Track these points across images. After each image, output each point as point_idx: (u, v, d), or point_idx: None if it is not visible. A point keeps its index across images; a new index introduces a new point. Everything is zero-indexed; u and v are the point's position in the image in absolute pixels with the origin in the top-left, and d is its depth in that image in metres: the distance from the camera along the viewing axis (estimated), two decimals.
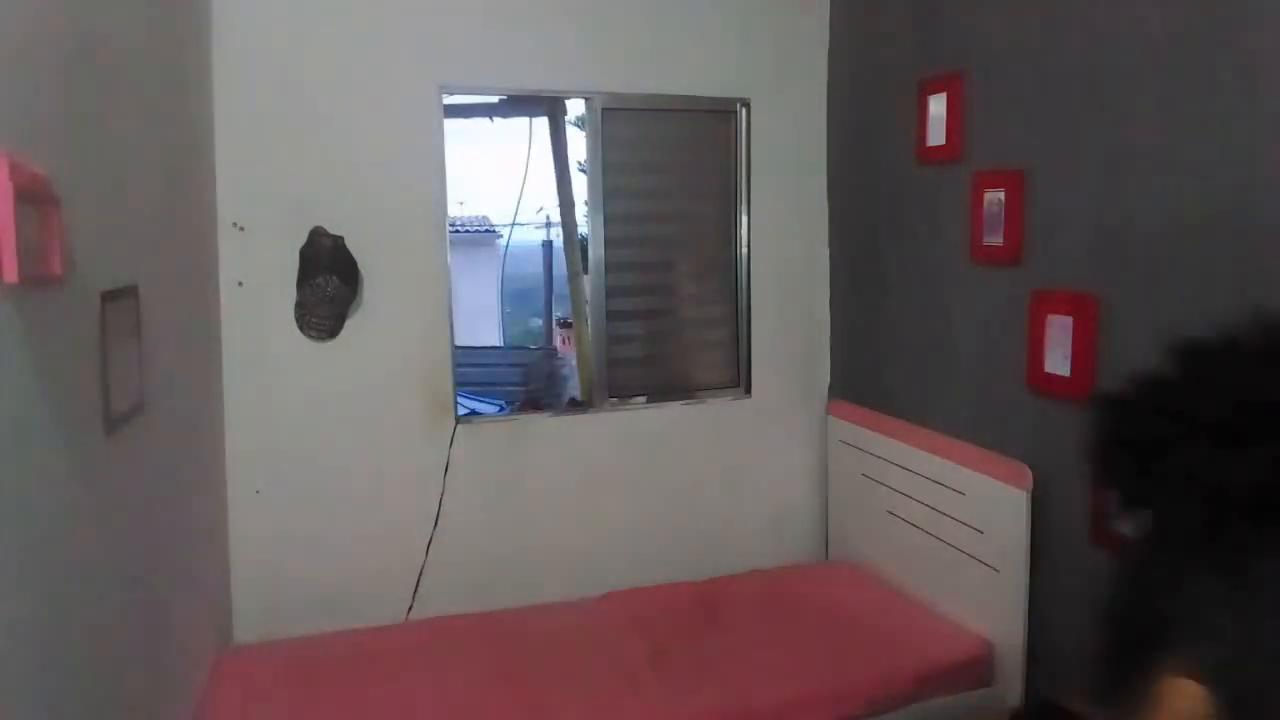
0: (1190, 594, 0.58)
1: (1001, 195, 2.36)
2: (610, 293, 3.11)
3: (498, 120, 3.64)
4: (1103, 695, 0.63)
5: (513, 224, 4.99)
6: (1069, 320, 2.15)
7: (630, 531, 3.11)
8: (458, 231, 3.17)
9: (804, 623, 2.66)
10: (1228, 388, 0.61)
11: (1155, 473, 0.60)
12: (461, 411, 2.97)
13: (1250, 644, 0.55)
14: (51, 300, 1.34)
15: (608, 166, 3.06)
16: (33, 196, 1.21)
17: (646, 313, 3.20)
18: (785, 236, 3.26)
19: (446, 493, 2.91)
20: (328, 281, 2.73)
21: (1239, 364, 0.64)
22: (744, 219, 3.22)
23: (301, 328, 2.74)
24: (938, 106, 2.60)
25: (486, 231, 6.29)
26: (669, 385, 3.23)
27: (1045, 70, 2.22)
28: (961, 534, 2.50)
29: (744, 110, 3.17)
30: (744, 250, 3.24)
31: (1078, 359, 2.13)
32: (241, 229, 2.69)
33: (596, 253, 3.08)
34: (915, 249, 2.78)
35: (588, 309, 3.14)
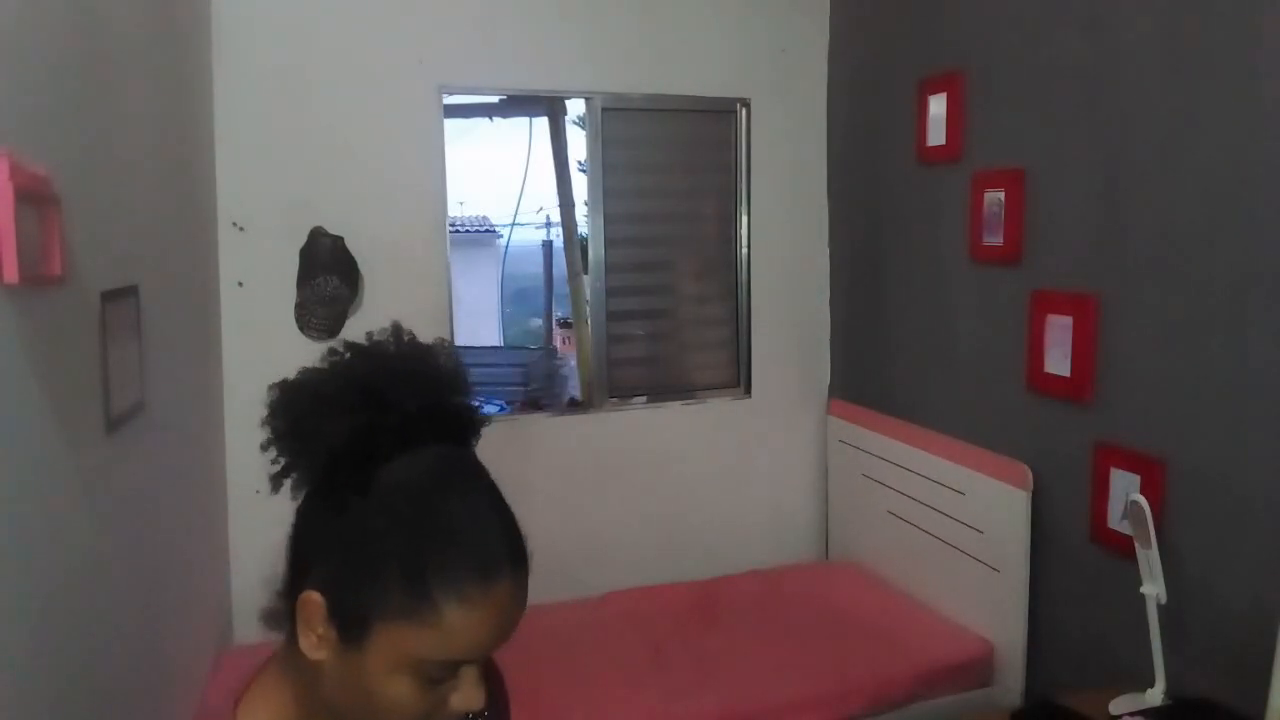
0: (314, 527, 0.80)
1: (1001, 195, 2.36)
2: (610, 293, 3.11)
3: (498, 120, 3.65)
4: (274, 619, 0.83)
5: (513, 224, 4.99)
6: (1069, 320, 2.15)
7: (630, 531, 3.11)
8: (458, 231, 3.17)
9: (804, 623, 2.66)
10: (342, 374, 0.83)
11: (298, 436, 0.79)
12: None
13: (347, 556, 0.77)
14: (51, 300, 1.34)
15: (608, 166, 3.06)
16: (33, 196, 1.21)
17: (646, 313, 3.20)
18: (785, 236, 3.26)
19: None
20: (328, 281, 2.73)
21: (353, 358, 0.85)
22: (744, 219, 3.23)
23: (301, 328, 2.74)
24: (938, 106, 2.60)
25: (486, 231, 6.29)
26: (669, 385, 3.23)
27: (1045, 70, 2.22)
28: (961, 534, 2.50)
29: (744, 110, 3.17)
30: (744, 250, 3.24)
31: (1078, 359, 2.13)
32: (241, 229, 2.69)
33: (596, 253, 3.08)
34: (915, 249, 2.79)
35: (588, 309, 3.14)
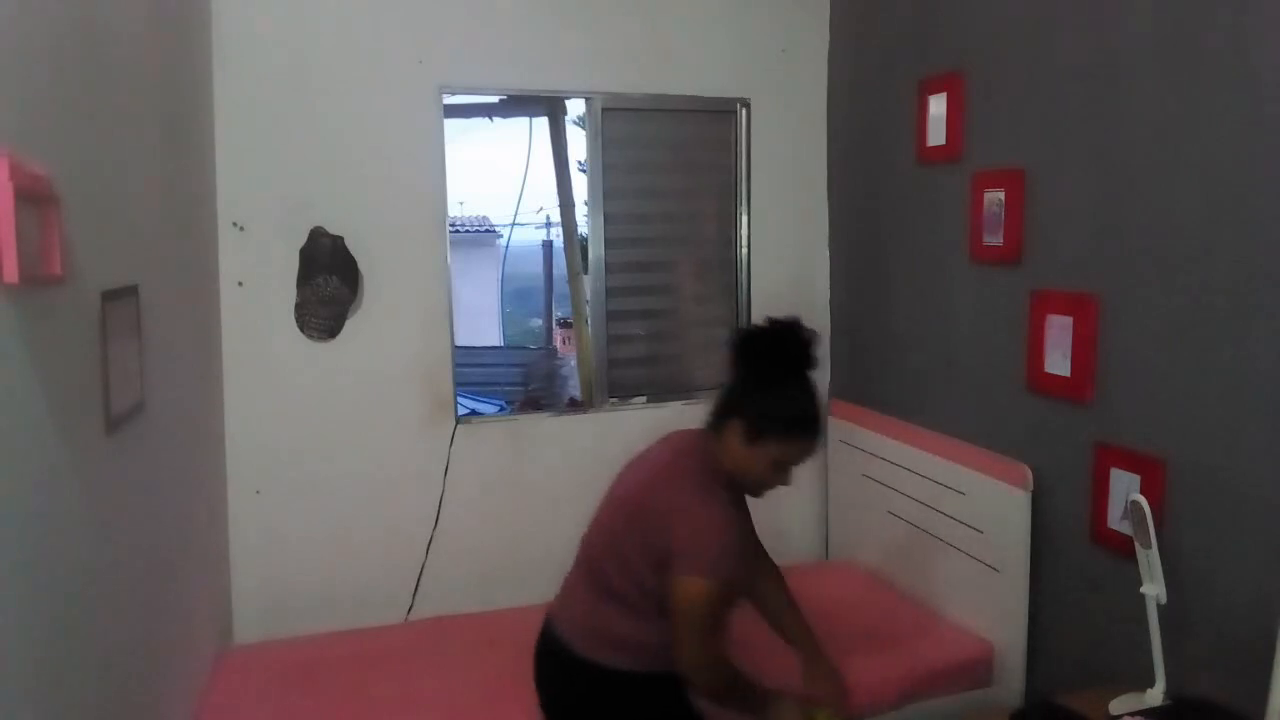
0: (749, 394, 1.81)
1: (1001, 195, 2.36)
2: (610, 293, 3.11)
3: (498, 120, 3.65)
4: (712, 427, 1.88)
5: (513, 224, 4.99)
6: (1069, 320, 2.15)
7: None
8: (458, 231, 3.17)
9: None
10: (777, 331, 1.80)
11: (752, 354, 1.82)
12: (461, 411, 2.98)
13: (760, 410, 1.78)
14: (51, 300, 1.34)
15: (608, 166, 3.06)
16: (33, 196, 1.21)
17: (646, 313, 3.20)
18: (785, 236, 3.26)
19: (446, 493, 2.91)
20: (328, 281, 2.73)
21: (782, 324, 1.80)
22: (744, 219, 3.23)
23: (301, 328, 2.74)
24: (938, 106, 2.60)
25: (486, 231, 6.30)
26: (669, 385, 3.23)
27: (1045, 70, 2.22)
28: (961, 534, 2.50)
29: (744, 110, 3.17)
30: (744, 250, 3.24)
31: (1078, 359, 2.13)
32: (241, 229, 2.69)
33: (596, 253, 3.08)
34: (915, 249, 2.79)
35: (588, 309, 3.14)
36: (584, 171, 3.15)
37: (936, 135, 2.61)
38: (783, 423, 1.72)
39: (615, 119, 3.06)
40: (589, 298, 3.13)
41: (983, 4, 2.43)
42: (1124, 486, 1.99)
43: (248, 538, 2.73)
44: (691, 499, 1.70)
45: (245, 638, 2.71)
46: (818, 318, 3.32)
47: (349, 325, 2.79)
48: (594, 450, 3.09)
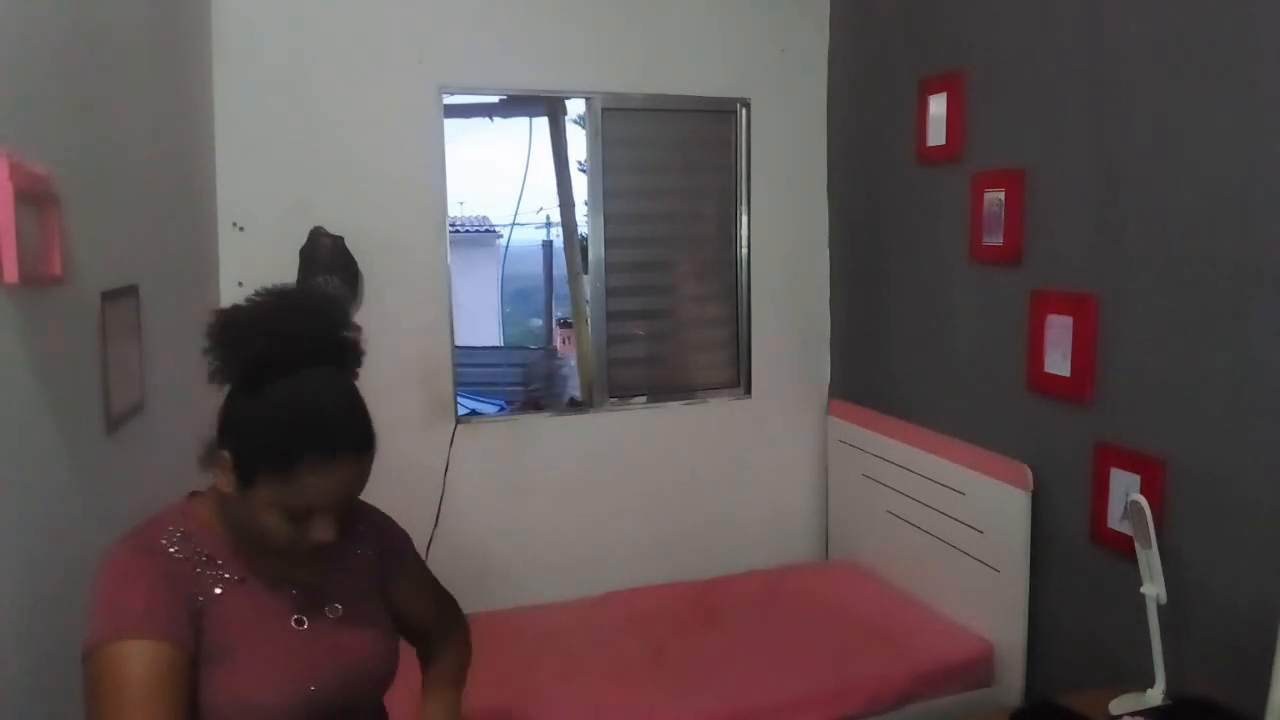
0: (230, 411, 1.14)
1: (1001, 195, 2.36)
2: (610, 293, 3.11)
3: (498, 120, 3.64)
4: (204, 463, 1.17)
5: (513, 224, 4.98)
6: (1069, 320, 2.15)
7: (630, 531, 3.11)
8: (458, 231, 3.17)
9: (804, 623, 2.66)
10: (258, 308, 1.15)
11: (226, 349, 1.12)
12: (461, 411, 2.98)
13: (246, 432, 1.11)
14: (51, 300, 1.34)
15: (608, 166, 3.06)
16: (33, 196, 1.21)
17: (646, 313, 3.20)
18: (785, 236, 3.26)
19: (446, 492, 2.91)
20: (328, 281, 2.73)
21: (267, 298, 1.17)
22: (744, 219, 3.23)
23: None
24: (938, 106, 2.60)
25: (486, 231, 6.29)
26: (669, 385, 3.23)
27: (1045, 70, 2.22)
28: (961, 534, 2.50)
29: (744, 110, 3.17)
30: (744, 250, 3.24)
31: (1078, 359, 2.13)
32: (241, 229, 2.69)
33: (596, 253, 3.08)
34: (915, 249, 2.79)
35: (588, 309, 3.14)
36: (584, 171, 3.15)
37: (936, 135, 2.61)
38: (277, 454, 1.09)
39: (615, 119, 3.06)
40: (589, 298, 3.12)
41: (983, 4, 2.43)
42: (1124, 486, 1.99)
43: None
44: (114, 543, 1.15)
45: None
46: (818, 318, 3.32)
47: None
48: (594, 450, 3.09)
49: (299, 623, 1.20)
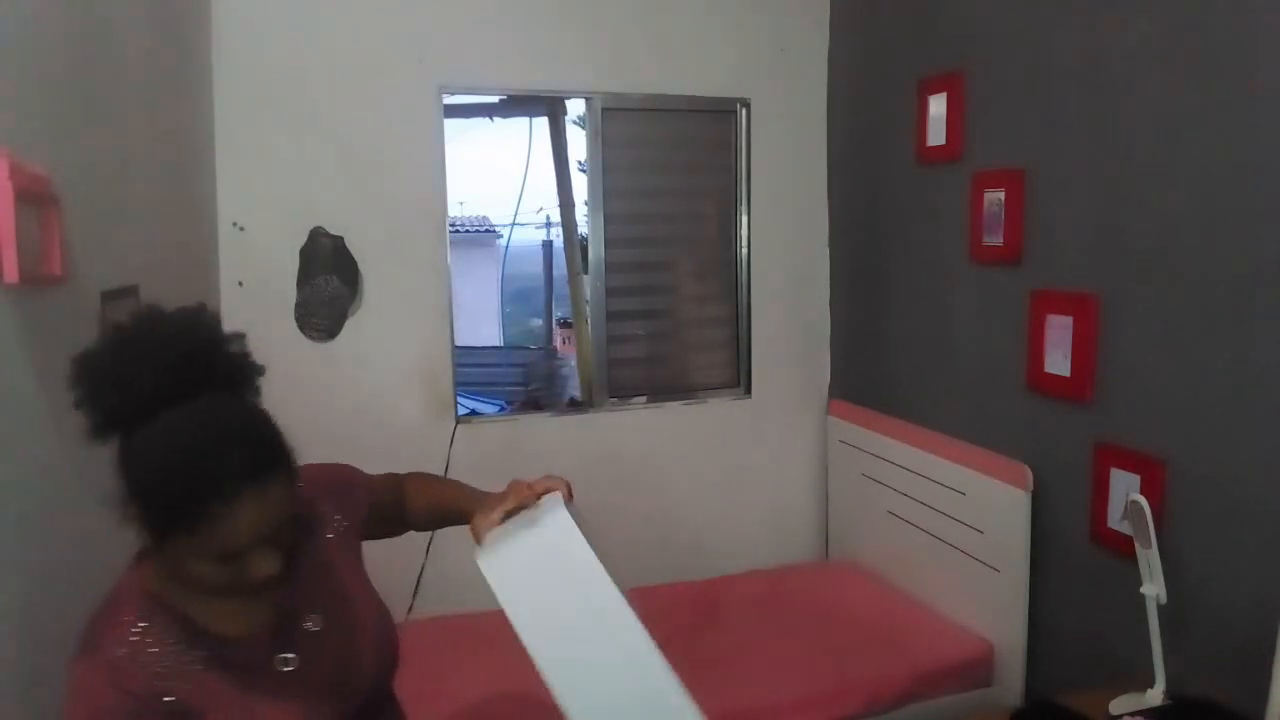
0: (117, 466, 0.99)
1: (1001, 195, 2.36)
2: (610, 293, 3.11)
3: (498, 120, 3.64)
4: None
5: (513, 224, 4.99)
6: (1069, 320, 2.15)
7: (630, 531, 3.11)
8: (458, 231, 3.16)
9: (804, 622, 2.66)
10: (111, 347, 1.00)
11: (88, 395, 0.97)
12: (461, 411, 2.98)
13: (131, 492, 0.98)
14: (51, 300, 1.34)
15: (608, 166, 3.06)
16: (33, 196, 1.21)
17: (646, 313, 3.20)
18: (785, 236, 3.26)
19: None
20: (328, 281, 2.73)
21: (122, 333, 1.01)
22: (744, 219, 3.23)
23: (301, 328, 2.74)
24: (938, 106, 2.60)
25: (486, 231, 6.29)
26: (669, 385, 3.23)
27: (1045, 70, 2.22)
28: (961, 534, 2.50)
29: (744, 110, 3.17)
30: (744, 250, 3.24)
31: (1078, 359, 2.13)
32: (241, 229, 2.69)
33: (596, 253, 3.08)
34: (915, 249, 2.78)
35: (588, 309, 3.14)
36: (584, 171, 3.15)
37: (936, 135, 2.61)
38: (168, 512, 0.97)
39: (615, 119, 3.06)
40: (589, 298, 3.13)
41: (983, 4, 2.43)
42: (1124, 486, 1.99)
43: None
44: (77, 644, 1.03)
45: None
46: (818, 318, 3.32)
47: (349, 325, 2.79)
48: (594, 450, 3.09)
49: (284, 663, 1.11)
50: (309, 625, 1.15)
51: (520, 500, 1.20)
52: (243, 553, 0.99)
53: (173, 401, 0.97)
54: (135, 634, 1.01)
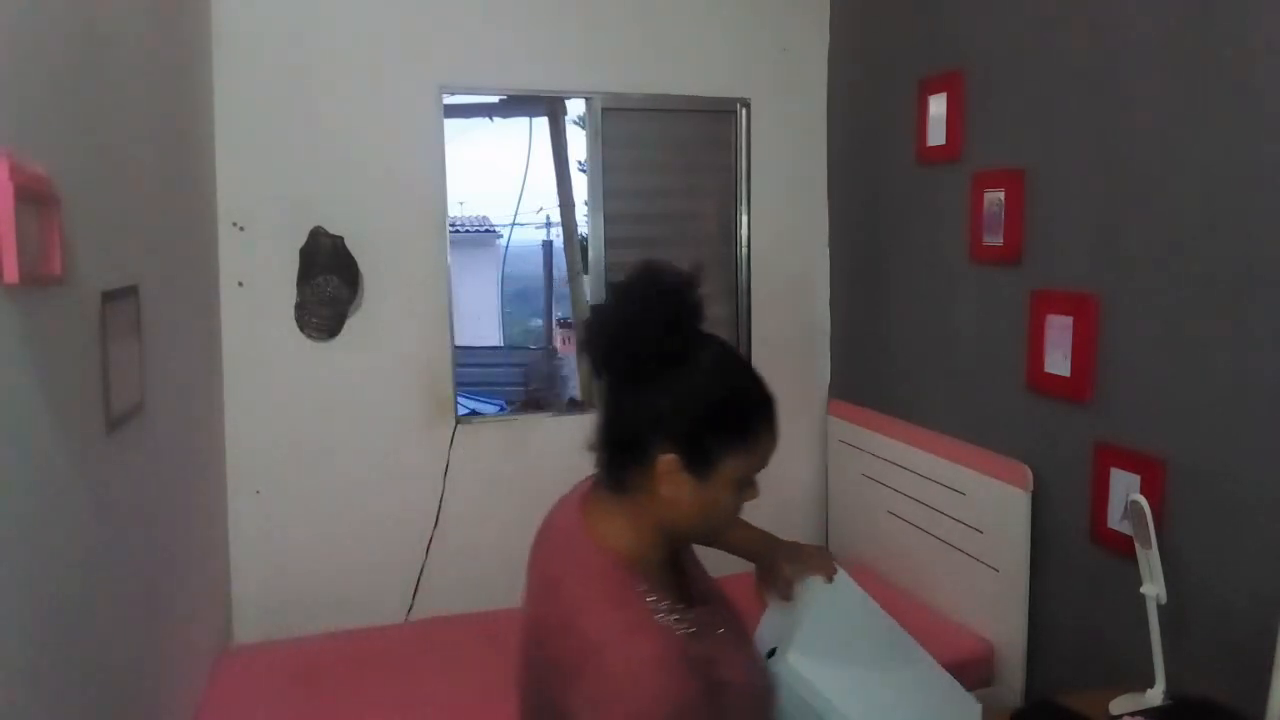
0: (644, 407, 1.06)
1: (1001, 195, 2.36)
2: None
3: (498, 120, 3.65)
4: (615, 486, 1.14)
5: (513, 224, 4.99)
6: (1069, 320, 2.15)
7: None
8: (458, 231, 3.17)
9: None
10: (642, 287, 1.08)
11: (616, 339, 1.07)
12: (461, 411, 2.98)
13: (687, 417, 1.04)
14: (51, 300, 1.34)
15: (608, 166, 3.06)
16: (33, 196, 1.21)
17: None
18: (785, 236, 3.26)
19: (446, 493, 2.91)
20: (328, 281, 2.73)
21: (640, 277, 1.09)
22: (744, 219, 3.23)
23: (301, 328, 2.74)
24: (938, 106, 2.60)
25: (486, 231, 6.29)
26: None
27: (1045, 70, 2.22)
28: (961, 534, 2.50)
29: (744, 110, 3.17)
30: (744, 250, 3.24)
31: (1078, 359, 2.13)
32: (241, 229, 2.69)
33: (596, 253, 3.08)
34: (915, 249, 2.79)
35: (588, 309, 3.14)
36: (584, 171, 3.15)
37: (936, 135, 2.61)
38: (738, 421, 1.06)
39: (615, 119, 3.06)
40: (589, 298, 3.12)
41: (983, 4, 2.43)
42: (1124, 486, 1.99)
43: (248, 538, 2.73)
44: (605, 634, 1.00)
45: (245, 638, 2.71)
46: (818, 318, 3.32)
47: (349, 325, 2.79)
48: None
49: (719, 625, 1.14)
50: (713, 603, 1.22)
51: (823, 571, 1.44)
52: (763, 469, 1.11)
53: (690, 338, 1.08)
54: (654, 601, 1.05)
